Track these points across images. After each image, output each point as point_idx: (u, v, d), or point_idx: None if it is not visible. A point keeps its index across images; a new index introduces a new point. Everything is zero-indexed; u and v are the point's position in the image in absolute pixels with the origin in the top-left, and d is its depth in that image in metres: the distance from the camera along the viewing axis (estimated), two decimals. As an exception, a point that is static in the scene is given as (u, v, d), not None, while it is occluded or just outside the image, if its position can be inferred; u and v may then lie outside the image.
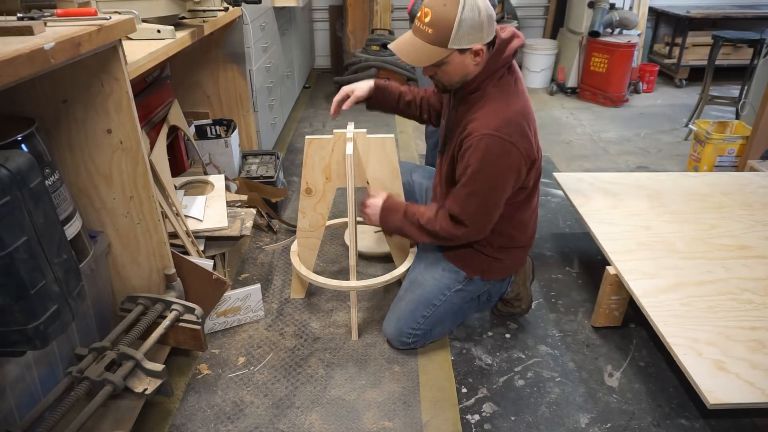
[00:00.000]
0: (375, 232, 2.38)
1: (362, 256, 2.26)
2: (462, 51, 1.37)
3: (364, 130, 1.69)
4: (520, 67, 5.00)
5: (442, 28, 1.33)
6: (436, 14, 1.32)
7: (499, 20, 4.39)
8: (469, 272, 1.68)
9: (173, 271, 1.55)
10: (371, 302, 1.99)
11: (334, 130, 1.69)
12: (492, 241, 1.64)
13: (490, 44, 1.43)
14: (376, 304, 1.97)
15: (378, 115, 4.14)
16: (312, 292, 2.04)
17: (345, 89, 1.77)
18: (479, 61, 1.41)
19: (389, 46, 1.47)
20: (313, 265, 1.91)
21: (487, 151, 1.40)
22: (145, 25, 1.59)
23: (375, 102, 1.82)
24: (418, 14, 1.38)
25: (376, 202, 1.68)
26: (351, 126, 1.74)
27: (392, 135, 1.71)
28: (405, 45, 1.41)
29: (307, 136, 1.71)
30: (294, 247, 1.93)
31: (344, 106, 1.75)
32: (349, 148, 1.66)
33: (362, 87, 1.77)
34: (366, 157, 1.73)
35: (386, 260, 2.21)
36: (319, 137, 1.70)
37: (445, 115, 1.65)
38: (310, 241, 1.88)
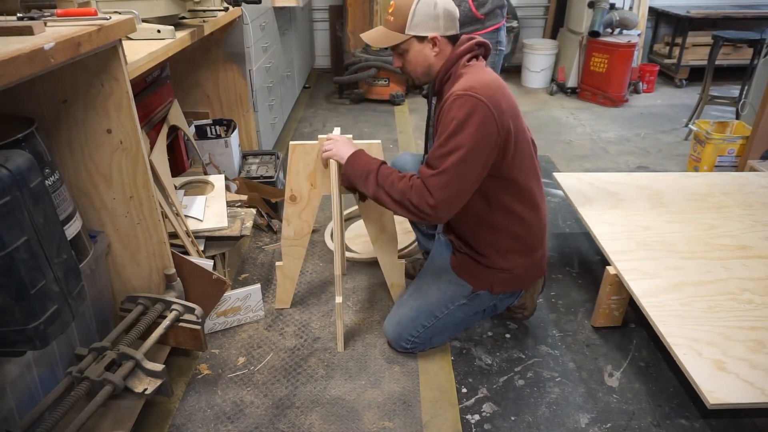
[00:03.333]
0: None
1: (352, 261, 2.23)
2: (420, 39, 1.49)
3: (350, 136, 1.67)
4: (520, 67, 5.01)
5: (401, 16, 1.48)
6: (397, 4, 1.50)
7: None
8: (476, 287, 1.63)
9: (173, 271, 1.55)
10: (371, 302, 1.98)
11: (319, 136, 1.66)
12: (498, 246, 1.58)
13: (452, 40, 1.53)
14: (377, 303, 1.97)
15: (377, 114, 4.15)
16: (312, 291, 2.04)
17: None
18: (438, 51, 1.50)
19: (361, 35, 1.61)
20: (298, 275, 1.91)
21: (460, 109, 1.38)
22: (145, 25, 1.59)
23: None
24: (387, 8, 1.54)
25: (343, 143, 1.61)
26: (337, 131, 1.73)
27: (379, 141, 1.69)
28: (372, 32, 1.60)
29: (291, 142, 1.68)
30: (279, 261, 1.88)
31: None
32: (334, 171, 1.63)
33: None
34: None
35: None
36: (302, 143, 1.67)
37: (430, 116, 1.68)
38: (295, 250, 1.84)
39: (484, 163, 1.42)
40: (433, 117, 1.60)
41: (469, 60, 1.51)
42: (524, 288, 1.71)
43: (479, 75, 1.46)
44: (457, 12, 1.51)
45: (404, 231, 2.33)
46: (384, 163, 1.57)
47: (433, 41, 1.49)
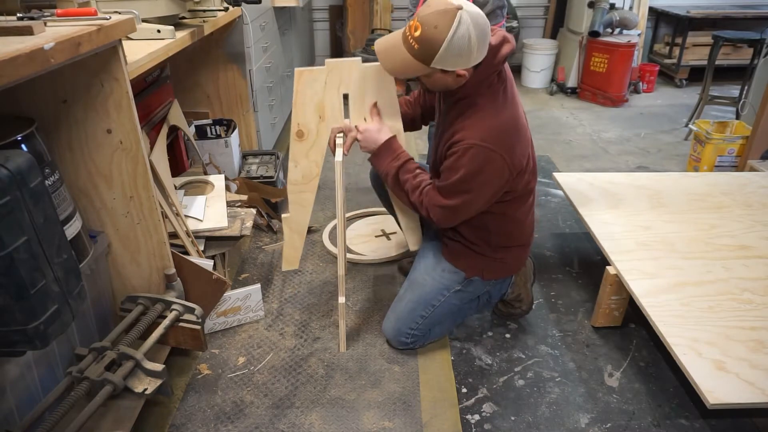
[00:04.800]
0: (376, 236, 2.37)
1: (352, 262, 2.22)
2: (444, 71, 1.37)
3: (359, 59, 1.54)
4: (520, 67, 5.01)
5: (429, 48, 1.31)
6: (426, 33, 1.30)
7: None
8: (469, 273, 1.68)
9: (173, 271, 1.55)
10: (371, 302, 1.98)
11: (326, 60, 1.53)
12: (490, 241, 1.64)
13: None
14: (377, 303, 1.97)
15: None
16: (312, 291, 2.04)
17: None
18: (461, 81, 1.40)
19: (375, 42, 1.43)
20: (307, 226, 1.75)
21: (473, 161, 1.41)
22: (145, 25, 1.59)
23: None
24: (411, 22, 1.36)
25: (375, 131, 1.58)
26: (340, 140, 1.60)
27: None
28: (389, 52, 1.40)
29: (296, 68, 1.54)
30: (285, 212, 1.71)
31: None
32: (339, 154, 1.56)
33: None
34: (362, 90, 1.57)
35: (387, 265, 2.22)
36: (310, 69, 1.53)
37: (437, 118, 1.66)
38: (303, 197, 1.66)
39: (493, 197, 1.50)
40: (441, 118, 1.58)
41: (491, 84, 1.44)
42: (513, 273, 1.77)
43: (497, 115, 1.42)
44: (488, 27, 1.35)
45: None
46: (407, 161, 1.58)
47: (459, 74, 1.37)
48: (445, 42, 1.29)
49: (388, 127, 1.61)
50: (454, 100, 1.49)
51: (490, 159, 1.40)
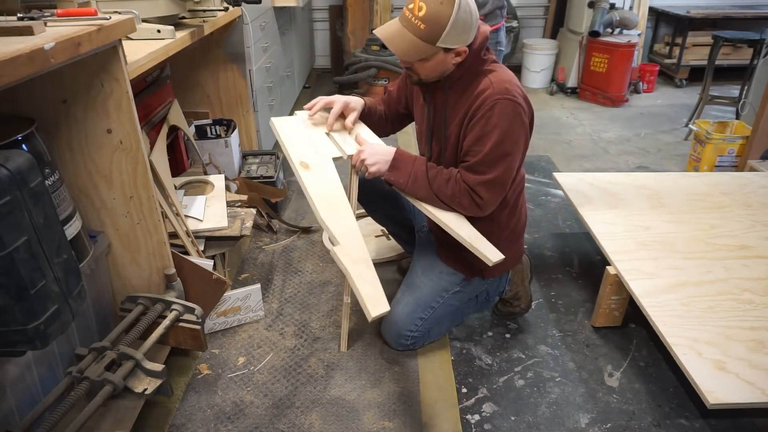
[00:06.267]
0: (376, 236, 2.37)
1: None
2: (447, 50, 1.38)
3: (305, 113, 1.72)
4: (520, 67, 5.01)
5: (435, 26, 1.32)
6: (431, 11, 1.31)
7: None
8: (469, 275, 1.68)
9: (173, 271, 1.55)
10: (371, 302, 1.98)
11: (296, 112, 1.68)
12: (491, 231, 1.58)
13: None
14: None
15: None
16: (312, 291, 2.04)
17: (338, 104, 1.68)
18: (459, 60, 1.42)
19: (375, 30, 1.43)
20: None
21: (502, 117, 1.39)
22: (145, 25, 1.59)
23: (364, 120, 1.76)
24: (411, 5, 1.35)
25: (378, 144, 1.57)
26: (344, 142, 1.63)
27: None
28: (394, 35, 1.39)
29: (271, 118, 1.72)
30: (338, 251, 1.35)
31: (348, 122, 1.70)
32: (355, 182, 1.57)
33: (357, 103, 1.71)
34: (340, 125, 1.69)
35: (387, 265, 2.21)
36: (284, 117, 1.70)
37: (423, 113, 1.62)
38: (342, 224, 1.43)
39: (522, 157, 1.50)
40: (444, 111, 1.55)
41: (485, 56, 1.48)
42: (510, 268, 1.77)
43: (503, 72, 1.46)
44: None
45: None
46: (426, 161, 1.54)
47: (459, 53, 1.39)
48: (452, 17, 1.30)
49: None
50: (451, 82, 1.48)
51: (516, 111, 1.40)
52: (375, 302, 1.27)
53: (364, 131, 1.69)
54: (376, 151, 1.53)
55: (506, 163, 1.44)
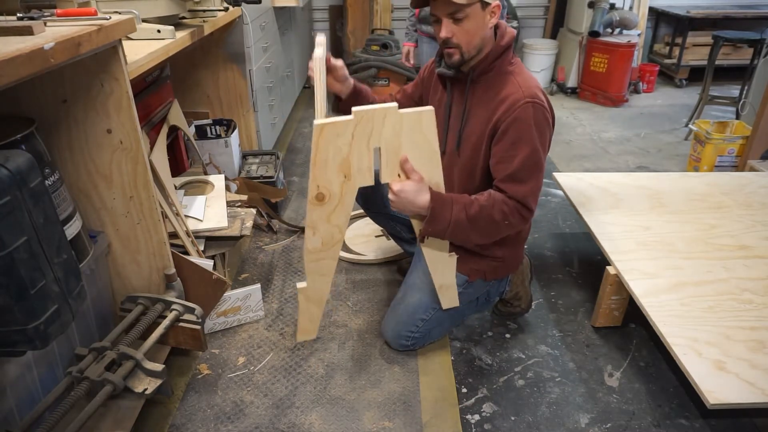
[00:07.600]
0: (376, 236, 2.37)
1: (352, 263, 2.22)
2: (484, 5, 1.38)
3: (395, 105, 1.25)
4: (520, 67, 5.01)
5: None
6: None
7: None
8: (472, 276, 1.67)
9: (173, 271, 1.55)
10: (371, 302, 1.98)
11: (354, 109, 1.22)
12: (505, 238, 1.58)
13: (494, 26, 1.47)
14: (376, 304, 1.97)
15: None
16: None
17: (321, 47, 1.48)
18: (493, 23, 1.43)
19: None
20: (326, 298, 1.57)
21: (532, 121, 1.42)
22: (145, 25, 1.59)
23: (349, 101, 1.61)
24: None
25: (413, 193, 1.35)
26: (320, 41, 1.44)
27: (431, 107, 1.28)
28: None
29: (315, 122, 1.23)
30: (300, 283, 1.50)
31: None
32: (319, 51, 1.39)
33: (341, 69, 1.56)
34: (397, 141, 1.29)
35: (387, 265, 2.21)
36: (333, 121, 1.22)
37: (441, 106, 1.60)
38: (322, 265, 1.43)
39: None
40: (465, 105, 1.54)
41: (511, 57, 1.51)
42: (512, 271, 1.77)
43: (529, 76, 1.49)
44: None
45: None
46: (462, 197, 1.43)
47: (493, 10, 1.40)
48: None
49: (426, 185, 1.37)
50: (475, 74, 1.49)
51: (545, 117, 1.45)
52: (305, 331, 1.66)
53: (413, 151, 1.33)
54: (409, 200, 1.36)
55: (541, 170, 1.47)
